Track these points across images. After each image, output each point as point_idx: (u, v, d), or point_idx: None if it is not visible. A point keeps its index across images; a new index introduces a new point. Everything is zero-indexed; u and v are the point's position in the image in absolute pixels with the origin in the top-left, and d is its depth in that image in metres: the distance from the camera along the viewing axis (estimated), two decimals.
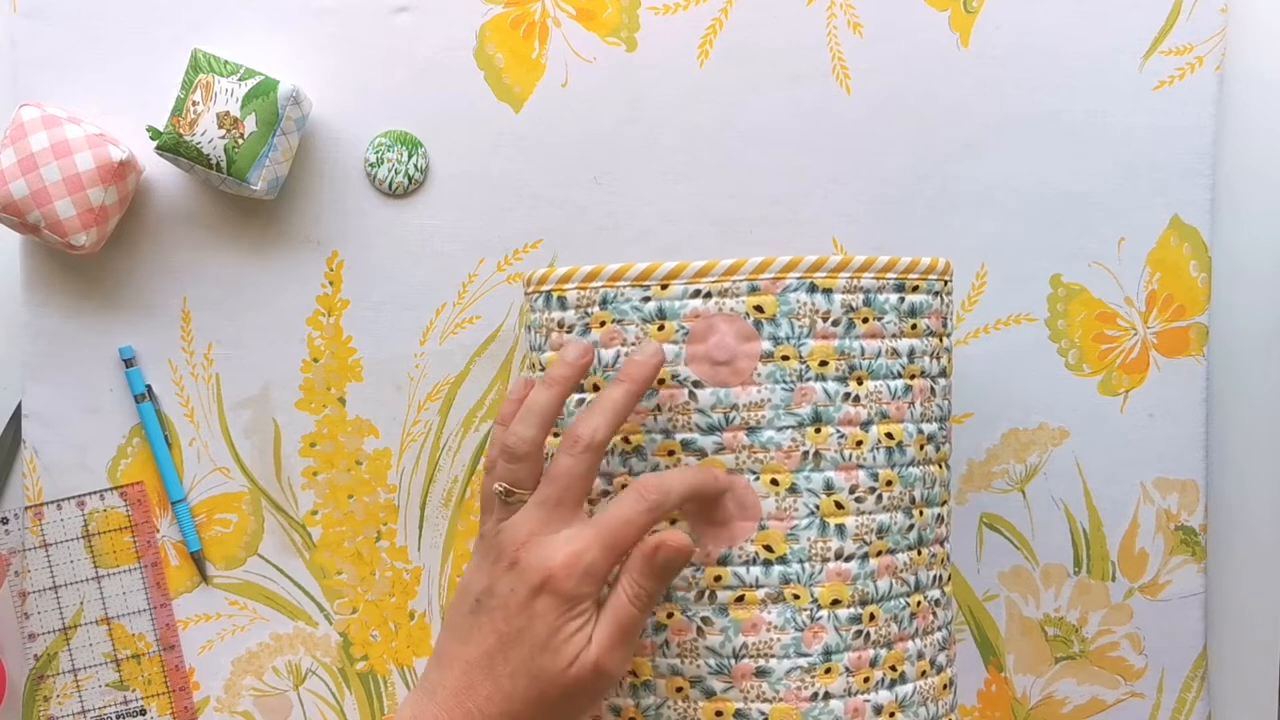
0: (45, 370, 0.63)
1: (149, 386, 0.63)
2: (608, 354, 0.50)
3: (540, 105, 0.62)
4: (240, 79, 0.57)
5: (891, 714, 0.49)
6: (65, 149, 0.57)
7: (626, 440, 0.50)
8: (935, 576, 0.51)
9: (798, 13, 0.62)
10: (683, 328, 0.49)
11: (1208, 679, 0.63)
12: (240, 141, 0.57)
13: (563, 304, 0.51)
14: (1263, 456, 0.64)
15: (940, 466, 0.51)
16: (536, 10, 0.62)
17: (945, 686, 0.51)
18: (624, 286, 0.49)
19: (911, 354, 0.50)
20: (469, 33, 0.62)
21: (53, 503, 0.63)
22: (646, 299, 0.49)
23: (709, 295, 0.49)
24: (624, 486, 0.50)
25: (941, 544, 0.52)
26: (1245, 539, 0.64)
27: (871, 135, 0.62)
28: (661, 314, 0.49)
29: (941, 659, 0.51)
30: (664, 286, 0.49)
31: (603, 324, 0.50)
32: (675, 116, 0.63)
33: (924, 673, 0.50)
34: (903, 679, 0.49)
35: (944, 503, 0.52)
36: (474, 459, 0.63)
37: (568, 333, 0.50)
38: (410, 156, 0.62)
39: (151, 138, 0.57)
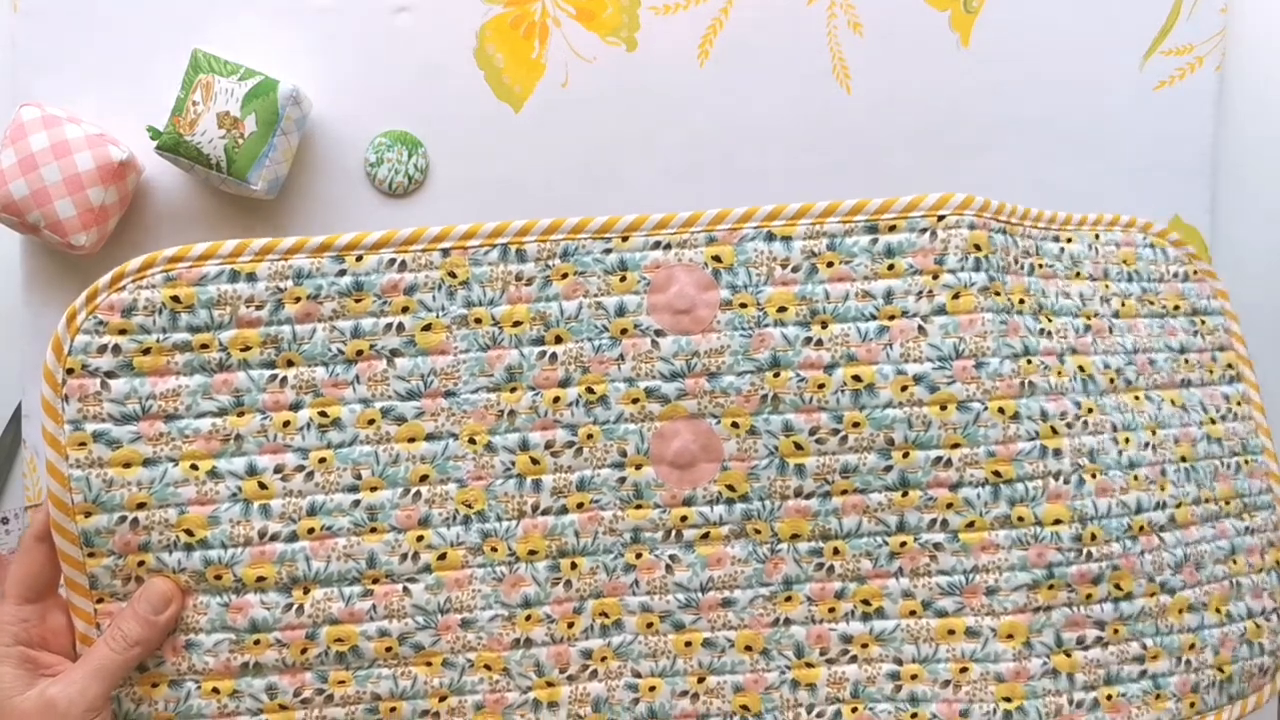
0: None
1: None
2: (570, 306, 0.51)
3: (540, 105, 0.62)
4: (240, 79, 0.57)
5: (865, 645, 0.51)
6: (65, 149, 0.57)
7: (591, 390, 0.51)
8: (937, 520, 0.51)
9: (798, 13, 0.62)
10: (644, 278, 0.51)
11: None
12: (240, 141, 0.57)
13: (521, 256, 0.51)
14: None
15: (943, 408, 0.51)
16: (536, 10, 0.62)
17: (951, 632, 0.52)
18: (585, 239, 0.51)
19: (889, 295, 0.51)
20: (469, 33, 0.62)
21: None
22: (608, 251, 0.51)
23: (669, 247, 0.51)
24: (590, 438, 0.51)
25: (952, 489, 0.51)
26: None
27: (871, 135, 0.62)
28: (623, 265, 0.51)
29: (947, 604, 0.52)
30: (625, 239, 0.51)
31: (564, 276, 0.51)
32: (675, 116, 0.63)
33: (913, 612, 0.52)
34: (881, 614, 0.51)
35: (955, 446, 0.51)
36: None
37: (526, 285, 0.51)
38: (410, 156, 0.62)
39: (151, 138, 0.57)
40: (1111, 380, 0.53)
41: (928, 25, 0.62)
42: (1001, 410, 0.51)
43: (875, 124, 0.62)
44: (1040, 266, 0.54)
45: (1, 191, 0.57)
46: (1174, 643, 0.53)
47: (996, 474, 0.51)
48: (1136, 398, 0.54)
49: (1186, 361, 0.56)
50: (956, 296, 0.51)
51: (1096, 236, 0.56)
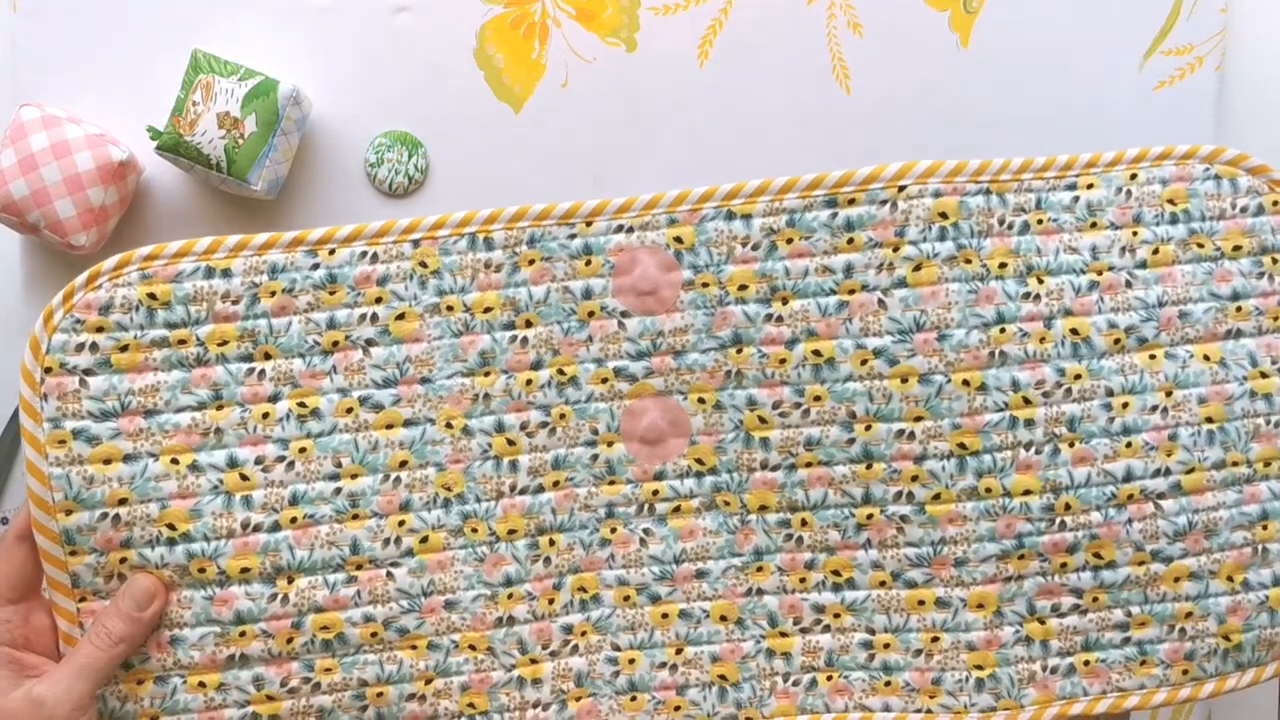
0: None
1: None
2: (538, 290, 0.51)
3: (540, 105, 0.62)
4: (240, 79, 0.57)
5: (837, 615, 0.52)
6: (65, 149, 0.57)
7: (561, 372, 0.52)
8: (903, 493, 0.52)
9: (798, 13, 0.62)
10: (609, 261, 0.52)
11: None
12: (240, 141, 0.57)
13: (489, 244, 0.52)
14: None
15: (904, 381, 0.52)
16: (536, 10, 0.62)
17: (921, 603, 0.52)
18: (550, 225, 0.52)
19: (849, 269, 0.51)
20: (469, 33, 0.62)
21: None
22: (572, 236, 0.52)
23: (631, 230, 0.52)
24: (562, 418, 0.52)
25: (916, 461, 0.52)
26: None
27: (871, 135, 0.62)
28: (588, 250, 0.52)
29: (916, 575, 0.52)
30: (588, 223, 0.52)
31: (531, 262, 0.52)
32: (675, 116, 0.63)
33: (883, 583, 0.52)
34: (852, 585, 0.52)
35: (918, 419, 0.52)
36: None
37: (495, 272, 0.51)
38: (410, 156, 0.62)
39: (151, 138, 0.57)
40: (1117, 341, 0.52)
41: (928, 25, 0.62)
42: (966, 382, 0.51)
43: (875, 124, 0.62)
44: (1041, 222, 0.52)
45: (1, 191, 0.57)
46: (1166, 611, 0.53)
47: (962, 446, 0.51)
48: (1153, 356, 0.52)
49: (1239, 309, 0.53)
50: (918, 268, 0.51)
51: (1133, 176, 0.53)
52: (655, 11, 0.62)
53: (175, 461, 0.50)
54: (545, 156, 0.62)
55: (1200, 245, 0.53)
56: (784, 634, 0.53)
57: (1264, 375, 0.53)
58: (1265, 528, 0.53)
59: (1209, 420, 0.52)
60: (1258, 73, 0.63)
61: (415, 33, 0.62)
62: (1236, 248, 0.53)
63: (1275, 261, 0.53)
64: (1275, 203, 0.53)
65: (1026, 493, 0.52)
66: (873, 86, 0.62)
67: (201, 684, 0.50)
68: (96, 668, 0.47)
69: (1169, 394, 0.52)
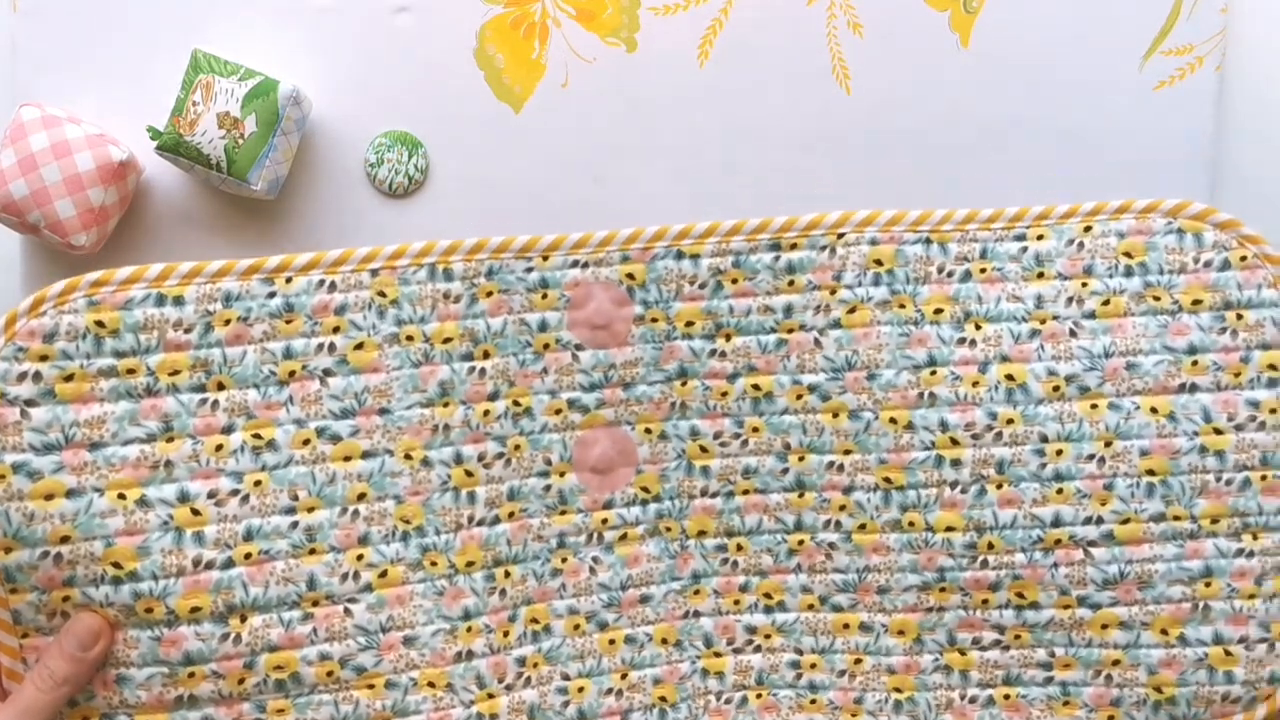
0: None
1: None
2: (495, 322, 0.52)
3: (540, 105, 0.62)
4: (240, 79, 0.57)
5: (767, 635, 0.54)
6: (65, 149, 0.57)
7: (517, 403, 0.52)
8: (831, 521, 0.53)
9: (798, 13, 0.62)
10: (564, 295, 0.53)
11: None
12: (240, 141, 0.57)
13: (448, 275, 0.52)
14: None
15: (835, 416, 0.52)
16: (536, 10, 0.62)
17: (846, 626, 0.54)
18: (508, 258, 0.53)
19: (789, 309, 0.53)
20: (469, 33, 0.62)
21: None
22: (529, 270, 0.53)
23: (586, 265, 0.53)
24: (517, 449, 0.52)
25: (845, 492, 0.53)
26: None
27: (871, 135, 0.62)
28: (544, 283, 0.53)
29: (842, 600, 0.54)
30: (545, 258, 0.53)
31: (489, 294, 0.52)
32: (675, 116, 0.63)
33: (811, 606, 0.54)
34: (782, 607, 0.54)
35: (847, 453, 0.53)
36: None
37: (454, 302, 0.52)
38: (410, 156, 0.62)
39: (151, 138, 0.57)
40: (1056, 388, 0.52)
41: (928, 25, 0.62)
42: (894, 420, 0.52)
43: (875, 124, 0.62)
44: (984, 271, 0.53)
45: (1, 191, 0.57)
46: (1092, 655, 0.53)
47: (888, 480, 0.53)
48: (1094, 406, 0.52)
49: (1195, 363, 0.52)
50: (852, 310, 0.53)
51: (1087, 229, 0.54)
52: (655, 11, 0.62)
53: (122, 496, 0.48)
54: (545, 156, 0.62)
55: (1156, 298, 0.53)
56: (718, 654, 0.54)
57: (1218, 432, 0.52)
58: (1208, 585, 0.52)
59: (1150, 473, 0.52)
60: (1258, 73, 0.63)
61: (415, 33, 0.62)
62: (1196, 301, 0.52)
63: (1240, 317, 0.52)
64: (1243, 258, 0.53)
65: (949, 529, 0.52)
66: (873, 86, 0.62)
67: None
68: (38, 709, 0.46)
69: (1108, 444, 0.52)
